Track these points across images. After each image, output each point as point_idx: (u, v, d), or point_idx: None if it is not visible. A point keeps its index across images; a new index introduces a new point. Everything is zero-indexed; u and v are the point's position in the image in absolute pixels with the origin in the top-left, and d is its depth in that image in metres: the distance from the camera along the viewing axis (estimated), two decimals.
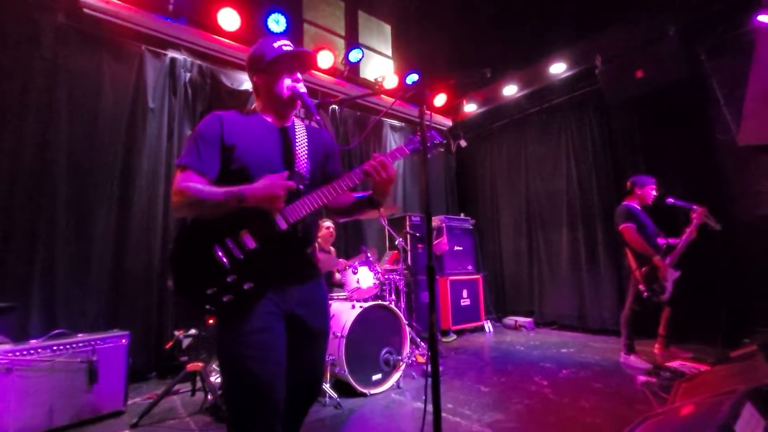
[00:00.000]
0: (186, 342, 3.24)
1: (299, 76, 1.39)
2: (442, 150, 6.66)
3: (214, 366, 3.08)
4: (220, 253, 1.19)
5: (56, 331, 2.48)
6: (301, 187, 1.34)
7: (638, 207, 3.67)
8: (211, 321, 1.21)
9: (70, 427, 2.36)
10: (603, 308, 4.95)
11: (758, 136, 3.49)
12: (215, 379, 2.90)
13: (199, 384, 2.81)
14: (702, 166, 4.14)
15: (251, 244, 1.21)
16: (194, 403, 2.78)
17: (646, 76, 4.08)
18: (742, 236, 3.86)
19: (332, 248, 4.14)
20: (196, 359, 2.90)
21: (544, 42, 4.56)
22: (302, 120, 1.51)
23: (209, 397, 2.66)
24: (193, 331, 3.25)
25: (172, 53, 3.82)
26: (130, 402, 2.72)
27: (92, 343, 2.45)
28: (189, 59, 3.91)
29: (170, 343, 3.25)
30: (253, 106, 1.47)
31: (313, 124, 1.50)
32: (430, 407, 1.25)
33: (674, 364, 3.41)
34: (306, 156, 1.40)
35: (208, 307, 1.18)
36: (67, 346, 2.35)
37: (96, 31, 3.44)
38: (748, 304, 3.85)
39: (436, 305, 5.03)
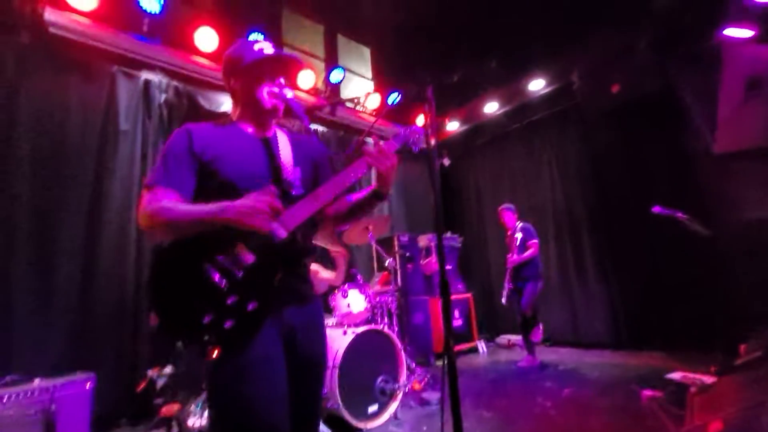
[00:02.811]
0: (161, 382, 2.93)
1: (282, 81, 1.28)
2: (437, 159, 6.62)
3: (192, 407, 2.79)
4: (214, 273, 1.03)
5: (8, 378, 2.17)
6: (293, 192, 1.21)
7: (507, 232, 4.53)
8: (215, 353, 1.02)
9: None
10: (595, 321, 4.90)
11: (733, 143, 3.58)
12: (193, 423, 2.61)
13: (175, 429, 2.52)
14: (682, 174, 4.23)
15: (249, 258, 1.05)
16: None
17: (621, 89, 4.20)
18: (723, 243, 3.90)
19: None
20: (172, 401, 2.62)
21: (522, 59, 4.67)
22: (283, 129, 1.40)
23: None
24: (168, 369, 2.94)
25: (146, 74, 3.66)
26: None
27: (50, 390, 2.16)
28: (165, 80, 3.76)
29: (143, 384, 2.94)
30: (228, 115, 1.34)
31: (296, 129, 1.38)
32: None
33: (675, 376, 3.33)
34: (291, 164, 1.28)
35: (207, 338, 1.01)
36: (20, 396, 2.05)
37: (63, 52, 3.27)
38: (736, 309, 3.86)
39: (429, 328, 4.86)
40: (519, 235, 4.32)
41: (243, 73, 1.25)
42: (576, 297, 5.09)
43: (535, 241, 4.30)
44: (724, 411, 1.63)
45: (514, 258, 4.26)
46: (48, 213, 3.05)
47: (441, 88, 5.44)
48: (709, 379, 3.12)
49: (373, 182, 1.29)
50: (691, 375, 3.25)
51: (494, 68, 4.83)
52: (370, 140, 1.19)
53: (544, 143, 5.56)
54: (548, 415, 2.73)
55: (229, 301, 1.02)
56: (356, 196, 1.37)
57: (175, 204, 1.07)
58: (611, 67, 4.22)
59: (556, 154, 5.43)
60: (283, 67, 1.30)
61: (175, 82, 3.82)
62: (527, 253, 4.21)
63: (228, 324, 1.01)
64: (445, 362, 1.15)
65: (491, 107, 5.65)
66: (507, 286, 4.35)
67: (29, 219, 2.96)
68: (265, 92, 1.24)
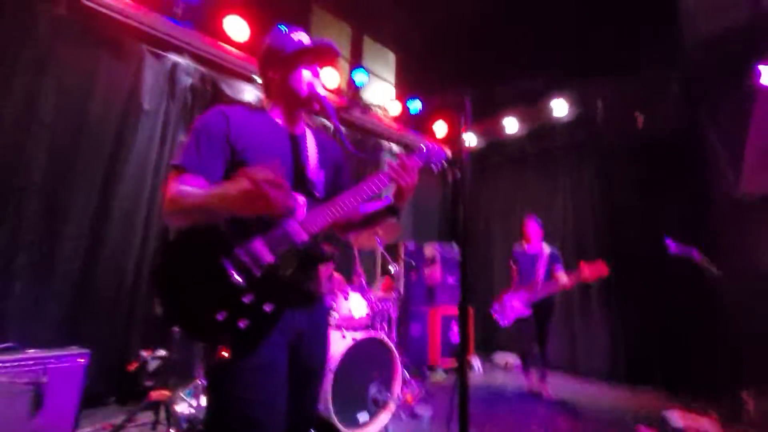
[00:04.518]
0: (153, 364, 2.90)
1: (319, 71, 1.26)
2: (444, 167, 6.57)
3: (181, 394, 2.76)
4: (231, 269, 0.99)
5: (4, 345, 2.16)
6: (318, 194, 1.19)
7: (522, 247, 4.25)
8: (225, 353, 0.99)
9: None
10: (594, 354, 4.82)
11: (758, 187, 3.52)
12: (182, 409, 2.58)
13: (163, 414, 2.48)
14: (697, 215, 4.15)
15: (268, 257, 1.02)
16: None
17: (646, 125, 4.14)
18: (733, 288, 3.80)
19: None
20: (163, 386, 2.59)
21: (549, 82, 4.63)
22: (311, 128, 1.39)
23: (172, 431, 2.35)
24: (161, 353, 2.92)
25: (174, 57, 3.67)
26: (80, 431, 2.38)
27: (44, 361, 2.13)
28: (192, 64, 3.77)
29: (135, 365, 2.92)
30: (260, 104, 1.33)
31: (321, 127, 1.37)
32: None
33: (673, 414, 3.25)
34: (317, 165, 1.27)
35: (218, 336, 0.97)
36: (13, 364, 2.03)
37: (96, 26, 3.28)
38: (737, 355, 3.78)
39: (425, 339, 4.80)
40: (545, 256, 4.02)
41: (283, 63, 1.22)
42: (577, 327, 5.02)
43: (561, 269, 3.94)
44: None
45: (556, 285, 3.84)
46: (62, 185, 3.05)
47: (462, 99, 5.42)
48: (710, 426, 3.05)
49: (390, 196, 1.28)
50: (689, 414, 3.19)
51: (519, 83, 4.78)
52: (395, 148, 1.15)
53: (561, 169, 5.50)
54: None
55: (245, 300, 0.99)
56: (370, 208, 1.35)
57: (193, 189, 1.02)
58: (638, 102, 4.17)
59: (571, 183, 5.36)
60: (321, 56, 1.28)
61: (201, 68, 3.83)
62: (564, 282, 3.81)
63: (242, 324, 0.98)
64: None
65: (512, 126, 5.60)
66: (522, 311, 3.95)
67: (42, 188, 2.95)
68: (303, 83, 1.22)
